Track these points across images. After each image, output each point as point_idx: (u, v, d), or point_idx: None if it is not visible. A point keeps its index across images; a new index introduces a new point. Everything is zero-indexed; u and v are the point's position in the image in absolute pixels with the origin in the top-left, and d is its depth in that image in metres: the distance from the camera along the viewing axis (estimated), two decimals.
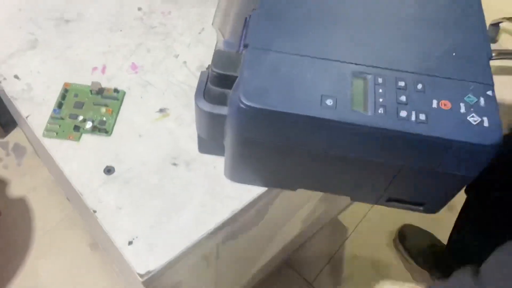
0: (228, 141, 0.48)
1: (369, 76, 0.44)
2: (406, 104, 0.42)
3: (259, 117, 0.42)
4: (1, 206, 1.20)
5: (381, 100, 0.42)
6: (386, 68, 0.44)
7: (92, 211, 0.52)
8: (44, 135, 0.57)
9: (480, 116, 0.42)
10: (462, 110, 0.42)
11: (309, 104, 0.42)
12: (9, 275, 1.12)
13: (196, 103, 0.47)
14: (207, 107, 0.46)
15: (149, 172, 0.55)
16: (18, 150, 1.32)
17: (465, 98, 0.43)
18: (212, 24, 0.52)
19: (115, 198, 0.53)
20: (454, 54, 0.46)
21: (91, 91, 0.60)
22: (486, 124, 0.42)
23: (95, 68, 0.63)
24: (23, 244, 1.16)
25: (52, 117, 0.58)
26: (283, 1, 0.49)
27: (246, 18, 0.50)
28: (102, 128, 0.58)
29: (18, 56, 0.63)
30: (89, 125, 0.57)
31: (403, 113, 0.42)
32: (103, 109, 0.59)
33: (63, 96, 0.60)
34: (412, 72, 0.44)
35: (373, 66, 0.44)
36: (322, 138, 0.44)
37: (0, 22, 0.67)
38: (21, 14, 0.68)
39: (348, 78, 0.44)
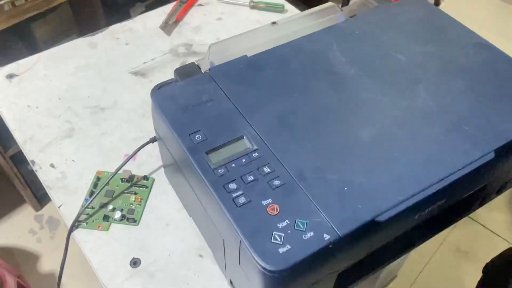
0: None
1: None
2: (245, 184, 0.42)
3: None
4: (32, 281, 1.21)
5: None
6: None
7: None
8: (74, 226, 0.57)
9: (287, 242, 0.38)
10: (282, 224, 0.39)
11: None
12: None
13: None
14: None
15: (175, 265, 0.54)
16: (52, 223, 1.35)
17: (298, 219, 0.40)
18: None
19: None
20: (345, 188, 0.42)
21: (121, 179, 0.61)
22: (282, 250, 0.38)
23: (126, 155, 0.65)
24: None
25: (82, 207, 0.59)
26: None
27: None
28: (130, 218, 0.58)
29: (55, 145, 0.66)
30: (118, 214, 0.58)
31: (236, 193, 0.41)
32: (132, 198, 0.60)
33: (95, 184, 0.61)
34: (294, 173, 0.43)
35: None
36: None
37: (41, 111, 0.70)
38: (60, 103, 0.72)
39: None
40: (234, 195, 0.41)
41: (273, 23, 0.60)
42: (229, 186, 0.42)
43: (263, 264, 0.37)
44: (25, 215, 1.35)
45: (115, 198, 0.60)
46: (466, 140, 0.47)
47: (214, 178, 0.43)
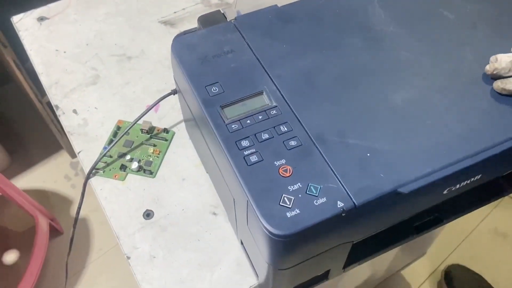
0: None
1: None
2: (259, 142, 0.39)
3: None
4: (64, 224, 1.26)
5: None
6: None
7: (126, 257, 0.51)
8: (91, 173, 0.57)
9: (296, 207, 0.35)
10: (293, 187, 0.36)
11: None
12: None
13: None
14: None
15: (188, 220, 0.53)
16: None
17: (311, 183, 0.36)
18: None
19: (150, 246, 0.51)
20: (368, 155, 0.38)
21: (141, 130, 0.60)
22: (290, 214, 0.35)
23: (148, 106, 0.63)
24: (78, 265, 1.20)
25: (101, 154, 0.58)
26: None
27: None
28: (147, 170, 0.57)
29: (79, 91, 0.65)
30: (135, 165, 0.57)
31: (248, 151, 0.39)
32: (151, 149, 0.59)
33: (115, 133, 0.60)
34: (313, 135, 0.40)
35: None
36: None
37: (69, 56, 0.70)
38: (88, 49, 0.71)
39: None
40: (245, 152, 0.39)
41: None
42: (242, 143, 0.39)
43: (268, 226, 0.35)
44: (61, 161, 1.39)
45: (134, 148, 0.59)
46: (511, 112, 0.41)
47: (227, 134, 0.40)
